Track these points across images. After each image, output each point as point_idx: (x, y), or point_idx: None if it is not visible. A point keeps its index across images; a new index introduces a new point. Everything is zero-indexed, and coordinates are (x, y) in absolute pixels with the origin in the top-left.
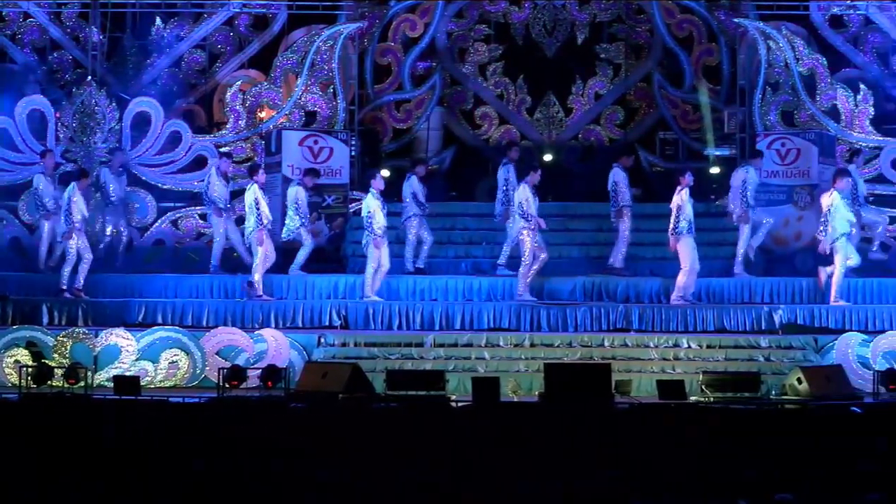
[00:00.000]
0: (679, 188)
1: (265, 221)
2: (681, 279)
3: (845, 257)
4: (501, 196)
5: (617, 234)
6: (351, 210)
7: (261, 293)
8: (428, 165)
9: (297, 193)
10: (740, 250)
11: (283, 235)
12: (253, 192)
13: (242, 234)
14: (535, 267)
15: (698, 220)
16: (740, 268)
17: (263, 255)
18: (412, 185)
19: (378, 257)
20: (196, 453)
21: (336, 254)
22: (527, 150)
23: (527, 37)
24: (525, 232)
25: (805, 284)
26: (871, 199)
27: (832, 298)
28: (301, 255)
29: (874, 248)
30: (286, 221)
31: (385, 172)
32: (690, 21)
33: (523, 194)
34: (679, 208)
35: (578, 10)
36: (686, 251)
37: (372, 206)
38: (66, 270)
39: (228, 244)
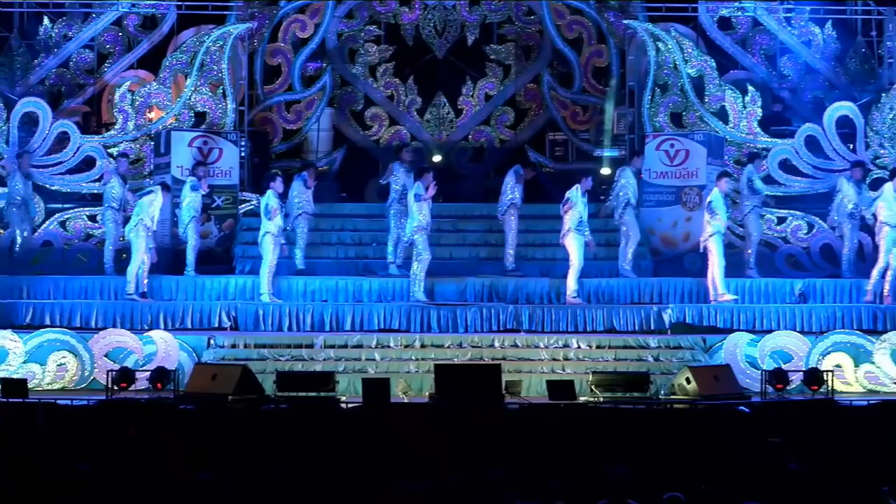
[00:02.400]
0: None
1: (148, 223)
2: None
3: (720, 255)
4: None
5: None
6: (241, 211)
7: (132, 293)
8: (317, 168)
9: (185, 191)
10: (629, 250)
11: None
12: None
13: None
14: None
15: (588, 220)
16: (629, 267)
17: (139, 257)
18: (298, 188)
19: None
20: (84, 455)
21: (226, 255)
22: (416, 151)
23: (417, 38)
24: (420, 232)
25: (694, 285)
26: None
27: (718, 296)
28: (190, 256)
29: (749, 265)
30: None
31: (276, 172)
32: (580, 22)
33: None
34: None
35: (468, 11)
36: (573, 248)
37: (273, 205)
38: None
39: (121, 245)
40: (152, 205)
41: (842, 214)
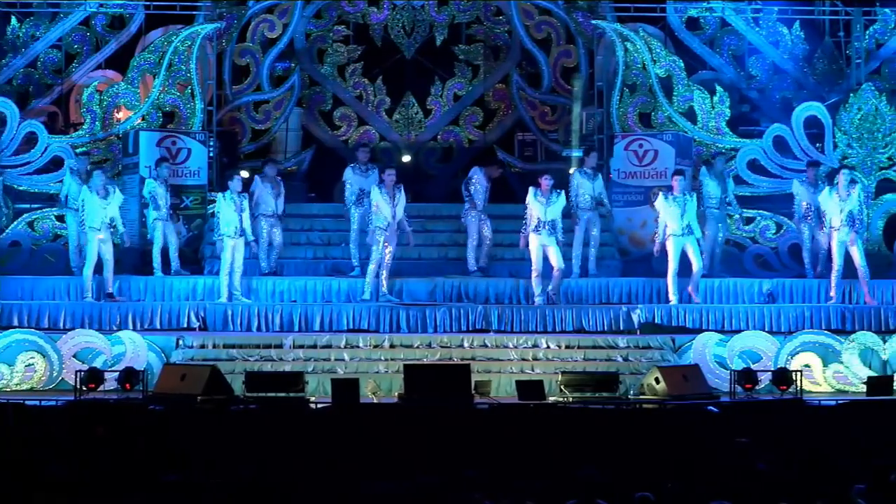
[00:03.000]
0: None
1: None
2: (555, 277)
3: (671, 258)
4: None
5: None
6: (209, 211)
7: (87, 294)
8: (281, 167)
9: (151, 187)
10: (591, 251)
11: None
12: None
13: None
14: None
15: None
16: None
17: (90, 257)
18: (257, 185)
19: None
20: (53, 456)
21: (194, 255)
22: (385, 152)
23: (385, 38)
24: (377, 232)
25: (663, 285)
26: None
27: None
28: (171, 254)
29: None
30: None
31: (244, 173)
32: (549, 23)
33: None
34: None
35: (437, 11)
36: (531, 250)
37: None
38: None
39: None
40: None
41: (797, 216)
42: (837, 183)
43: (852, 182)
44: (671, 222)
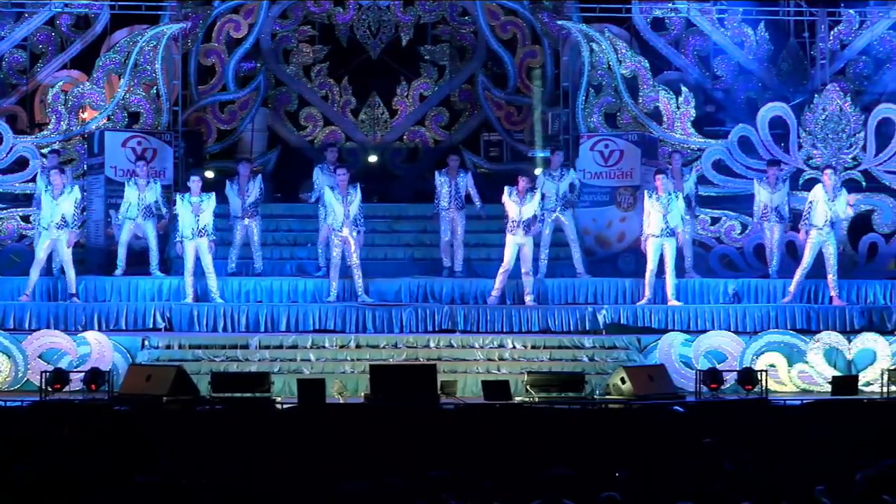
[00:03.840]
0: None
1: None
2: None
3: (654, 257)
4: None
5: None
6: (175, 212)
7: (27, 291)
8: (253, 166)
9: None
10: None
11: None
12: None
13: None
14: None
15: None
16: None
17: (36, 256)
18: (227, 187)
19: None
20: (18, 457)
21: (160, 256)
22: (351, 152)
23: (351, 38)
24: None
25: (628, 285)
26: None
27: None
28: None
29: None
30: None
31: (209, 174)
32: (514, 23)
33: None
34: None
35: (403, 11)
36: (506, 248)
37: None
38: None
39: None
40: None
41: (756, 215)
42: (824, 182)
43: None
44: (653, 222)
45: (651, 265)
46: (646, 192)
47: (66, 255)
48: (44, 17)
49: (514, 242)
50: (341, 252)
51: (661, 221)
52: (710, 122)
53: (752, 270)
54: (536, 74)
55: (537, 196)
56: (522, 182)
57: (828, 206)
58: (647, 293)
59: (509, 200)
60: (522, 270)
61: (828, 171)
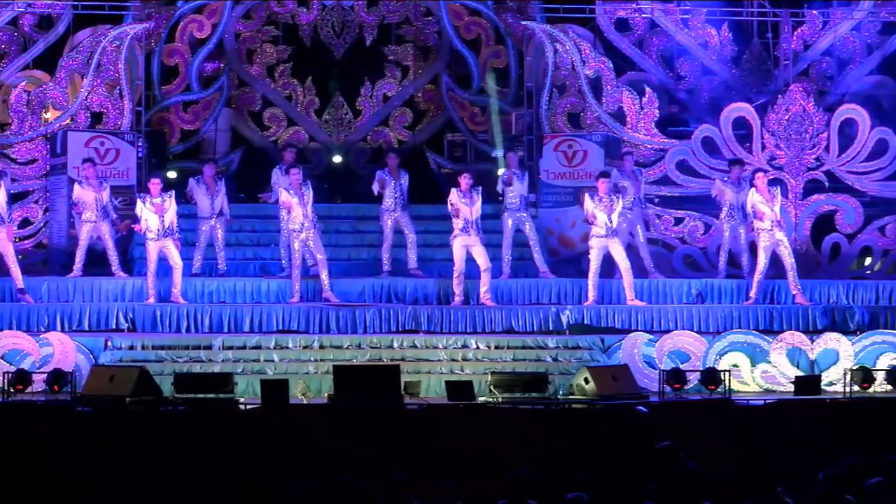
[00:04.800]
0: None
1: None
2: (484, 278)
3: (596, 257)
4: None
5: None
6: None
7: None
8: (217, 167)
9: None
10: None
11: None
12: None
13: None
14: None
15: (486, 221)
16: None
17: None
18: (192, 187)
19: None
20: None
21: (123, 256)
22: (315, 152)
23: (315, 38)
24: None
25: None
26: (655, 199)
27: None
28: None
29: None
30: None
31: (172, 174)
32: (478, 23)
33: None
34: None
35: (366, 11)
36: (454, 251)
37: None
38: None
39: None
40: None
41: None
42: (757, 184)
43: (772, 183)
44: (597, 223)
45: (594, 266)
46: (587, 194)
47: (6, 251)
48: (6, 17)
49: (463, 244)
50: (303, 252)
51: (604, 222)
52: (674, 122)
53: (716, 270)
54: (491, 74)
55: (480, 195)
56: (465, 180)
57: (767, 208)
58: (592, 294)
59: (459, 202)
60: (482, 269)
61: (759, 174)
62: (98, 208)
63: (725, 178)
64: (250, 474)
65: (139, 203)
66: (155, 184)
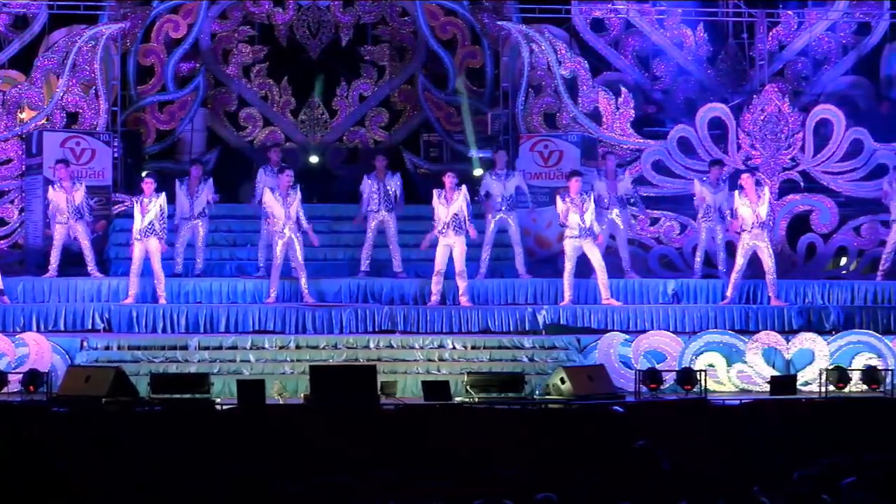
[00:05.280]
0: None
1: None
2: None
3: (571, 258)
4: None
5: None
6: (114, 212)
7: None
8: (207, 167)
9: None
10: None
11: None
12: None
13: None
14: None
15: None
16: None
17: None
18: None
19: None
20: None
21: (99, 256)
22: (291, 152)
23: (291, 38)
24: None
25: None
26: (631, 200)
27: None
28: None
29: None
30: None
31: (145, 174)
32: (454, 23)
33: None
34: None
35: (342, 11)
36: (437, 251)
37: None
38: None
39: None
40: None
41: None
42: (744, 185)
43: (759, 184)
44: (569, 224)
45: (569, 266)
46: (558, 195)
47: None
48: None
49: (445, 244)
50: (284, 254)
51: (577, 222)
52: (650, 122)
53: (691, 270)
54: (462, 78)
55: (463, 192)
56: (449, 179)
57: (751, 209)
58: (568, 295)
59: (438, 202)
60: (456, 271)
61: (746, 175)
62: (71, 209)
63: (704, 179)
64: (233, 475)
65: (135, 203)
66: (148, 184)
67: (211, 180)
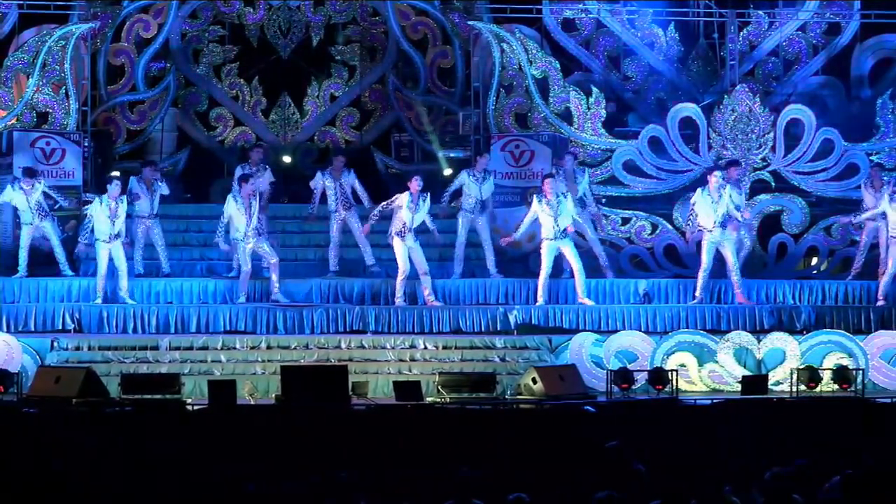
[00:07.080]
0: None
1: None
2: (424, 280)
3: (548, 260)
4: None
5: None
6: (84, 212)
7: None
8: (158, 168)
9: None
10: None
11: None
12: None
13: None
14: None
15: (437, 220)
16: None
17: None
18: (133, 186)
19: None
20: None
21: (69, 256)
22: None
23: (261, 38)
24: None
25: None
26: (603, 200)
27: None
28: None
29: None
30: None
31: (115, 173)
32: (425, 23)
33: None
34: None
35: (313, 11)
36: (397, 254)
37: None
38: None
39: None
40: None
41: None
42: (709, 184)
43: (734, 182)
44: (545, 226)
45: (545, 269)
46: (535, 196)
47: None
48: None
49: (405, 246)
50: (250, 259)
51: (552, 224)
52: (621, 122)
53: (663, 270)
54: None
55: (427, 201)
56: (415, 183)
57: (713, 208)
58: (541, 297)
59: (405, 208)
60: (420, 272)
61: (714, 174)
62: (33, 209)
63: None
64: (206, 476)
65: (96, 203)
66: (117, 186)
67: (164, 181)
